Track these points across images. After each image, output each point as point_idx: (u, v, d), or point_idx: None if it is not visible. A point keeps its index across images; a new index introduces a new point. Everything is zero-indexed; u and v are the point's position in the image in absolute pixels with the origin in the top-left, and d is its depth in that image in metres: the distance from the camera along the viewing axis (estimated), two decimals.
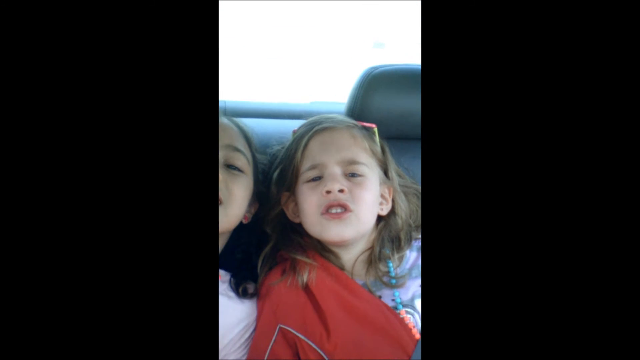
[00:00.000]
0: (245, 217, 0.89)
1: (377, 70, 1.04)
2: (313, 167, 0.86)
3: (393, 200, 0.92)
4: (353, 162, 0.86)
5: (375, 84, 1.03)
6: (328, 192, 0.83)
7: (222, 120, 0.90)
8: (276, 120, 1.27)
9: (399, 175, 0.95)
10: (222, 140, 0.85)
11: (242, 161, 0.86)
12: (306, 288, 0.83)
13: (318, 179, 0.85)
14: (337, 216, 0.82)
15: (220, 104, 1.51)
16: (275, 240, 0.91)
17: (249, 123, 0.97)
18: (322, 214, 0.83)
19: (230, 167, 0.85)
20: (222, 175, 0.82)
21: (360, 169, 0.86)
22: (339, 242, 0.86)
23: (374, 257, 0.87)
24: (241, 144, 0.88)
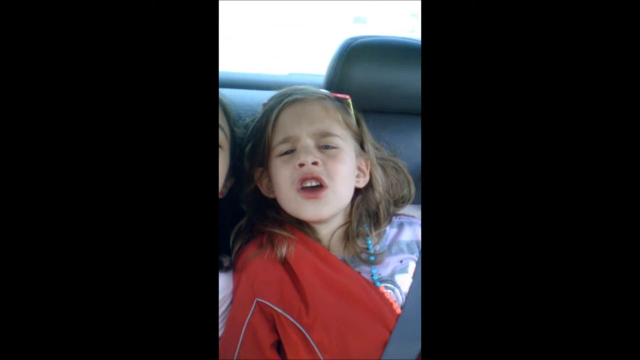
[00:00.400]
0: (221, 192, 0.87)
1: (357, 42, 1.01)
2: (285, 141, 0.84)
3: (370, 174, 0.91)
4: (326, 134, 0.84)
5: (355, 55, 1.00)
6: (301, 165, 0.81)
7: None
8: (252, 90, 1.24)
9: (376, 148, 0.94)
10: None
11: (221, 137, 0.83)
12: (284, 262, 0.82)
13: (290, 152, 0.84)
14: (314, 195, 0.81)
15: None
16: (250, 216, 0.89)
17: (225, 93, 0.94)
18: (298, 190, 0.82)
19: None
20: None
21: (334, 141, 0.84)
22: (317, 221, 0.85)
23: (352, 233, 0.86)
24: (220, 119, 0.85)
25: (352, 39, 1.02)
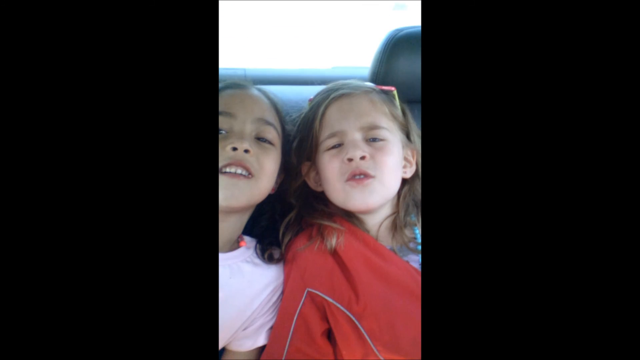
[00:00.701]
0: (272, 188, 0.89)
1: (400, 33, 1.02)
2: (333, 135, 0.85)
3: (417, 164, 0.91)
4: (373, 127, 0.85)
5: (399, 47, 1.01)
6: (350, 159, 0.82)
7: (253, 91, 0.89)
8: (297, 86, 1.26)
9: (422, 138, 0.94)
10: (254, 113, 0.84)
11: (273, 134, 0.86)
12: (334, 253, 0.84)
13: (338, 146, 0.85)
14: (360, 182, 0.82)
15: (241, 72, 1.51)
16: (299, 209, 0.91)
17: (272, 90, 0.96)
18: (345, 182, 0.83)
19: (261, 139, 0.84)
20: (254, 148, 0.81)
21: (382, 134, 0.85)
22: (364, 210, 0.86)
23: (399, 223, 0.87)
24: (271, 117, 0.87)
25: (396, 30, 1.03)
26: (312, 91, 0.97)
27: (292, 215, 0.92)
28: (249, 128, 0.83)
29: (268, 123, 0.85)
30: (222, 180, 0.79)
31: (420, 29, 1.04)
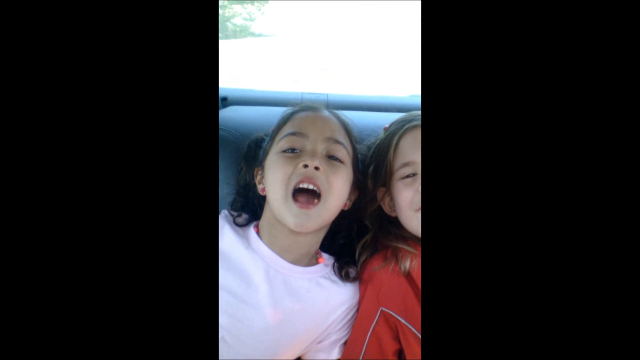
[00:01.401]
0: (345, 204, 0.93)
1: None
2: (406, 165, 0.88)
3: None
4: None
5: None
6: None
7: (324, 112, 0.95)
8: (375, 113, 1.30)
9: None
10: (324, 132, 0.89)
11: (342, 152, 0.90)
12: (407, 275, 0.87)
13: (412, 175, 0.87)
14: None
15: (323, 97, 1.57)
16: (375, 231, 0.95)
17: (349, 115, 1.01)
18: (417, 210, 0.85)
19: (331, 158, 0.89)
20: (324, 166, 0.86)
21: None
22: None
23: None
24: (341, 136, 0.92)
25: None
26: (388, 118, 1.01)
27: (369, 237, 0.95)
28: (320, 147, 0.88)
29: (338, 142, 0.90)
30: (292, 209, 0.84)
31: None
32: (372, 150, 0.98)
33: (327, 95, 1.51)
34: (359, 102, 1.54)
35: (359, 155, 0.98)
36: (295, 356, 0.90)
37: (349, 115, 1.01)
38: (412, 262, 0.86)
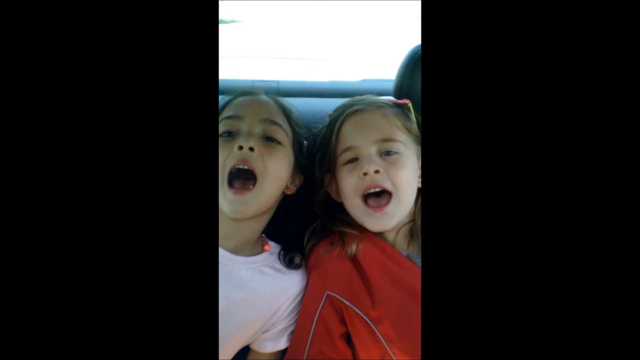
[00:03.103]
0: (287, 188, 0.93)
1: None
2: (348, 149, 0.89)
3: None
4: (387, 140, 0.88)
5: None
6: (365, 173, 0.85)
7: (262, 97, 0.95)
8: (326, 99, 1.31)
9: None
10: (260, 114, 0.89)
11: (280, 134, 0.89)
12: (353, 258, 0.88)
13: (354, 160, 0.88)
14: (379, 209, 0.85)
15: (274, 84, 1.57)
16: (323, 218, 0.95)
17: (300, 103, 1.01)
18: (362, 200, 0.86)
19: (268, 139, 0.88)
20: (260, 148, 0.85)
21: (395, 147, 0.88)
22: (382, 232, 0.90)
23: (416, 230, 0.90)
24: (279, 118, 0.91)
25: (418, 47, 1.06)
26: (338, 104, 1.01)
27: (318, 224, 0.96)
28: (257, 128, 0.88)
29: (275, 123, 0.89)
30: (227, 195, 0.83)
31: None
32: (318, 138, 0.99)
33: (278, 82, 1.51)
34: (311, 88, 1.55)
35: (301, 139, 0.97)
36: (241, 345, 0.89)
37: (301, 102, 1.01)
38: (358, 246, 0.87)
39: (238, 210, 0.83)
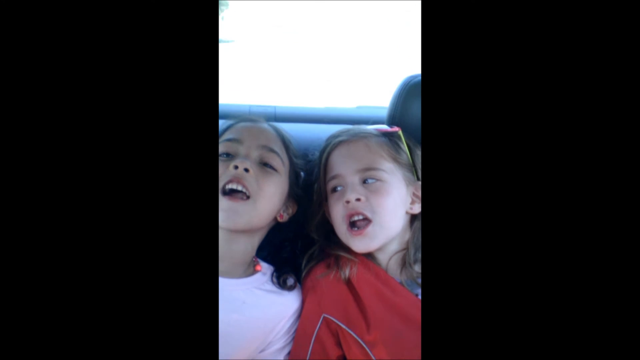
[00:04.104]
0: (280, 215, 0.96)
1: (415, 79, 1.09)
2: (334, 178, 0.94)
3: None
4: (369, 169, 0.91)
5: (414, 92, 1.08)
6: (347, 201, 0.89)
7: (262, 124, 0.99)
8: (322, 125, 1.34)
9: None
10: (259, 140, 0.93)
11: (277, 161, 0.93)
12: (348, 282, 0.90)
13: (340, 189, 0.93)
14: (359, 232, 0.89)
15: (271, 110, 1.60)
16: (321, 244, 0.98)
17: (295, 129, 1.04)
18: (347, 227, 0.90)
19: (265, 165, 0.92)
20: (255, 171, 0.89)
21: (377, 175, 0.91)
22: (367, 253, 0.93)
23: (409, 260, 0.92)
24: (277, 146, 0.95)
25: (411, 77, 1.10)
26: (335, 130, 1.03)
27: (316, 249, 0.98)
28: (254, 153, 0.91)
29: (272, 151, 0.93)
30: (222, 203, 0.86)
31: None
32: (315, 165, 1.02)
33: (275, 107, 1.54)
34: (307, 114, 1.58)
35: (298, 170, 1.01)
36: None
37: (296, 128, 1.03)
38: (351, 269, 0.90)
39: (230, 218, 0.86)
